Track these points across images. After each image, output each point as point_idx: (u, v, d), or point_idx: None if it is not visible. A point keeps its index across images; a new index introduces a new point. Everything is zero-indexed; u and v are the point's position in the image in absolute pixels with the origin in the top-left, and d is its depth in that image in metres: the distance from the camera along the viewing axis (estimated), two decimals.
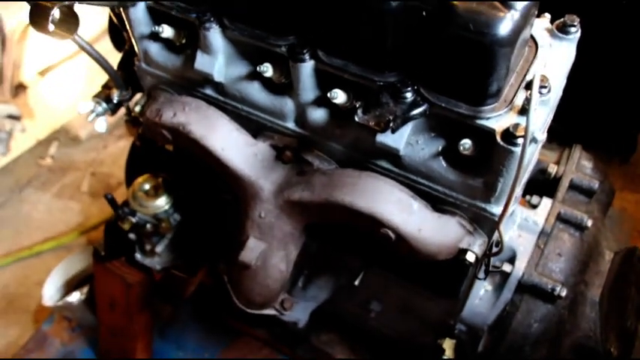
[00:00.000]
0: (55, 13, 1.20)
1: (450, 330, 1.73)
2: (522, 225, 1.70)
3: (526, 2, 1.02)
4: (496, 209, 1.26)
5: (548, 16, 1.30)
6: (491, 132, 1.13)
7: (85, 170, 3.48)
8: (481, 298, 1.67)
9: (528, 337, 1.60)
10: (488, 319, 1.66)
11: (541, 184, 1.82)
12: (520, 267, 1.62)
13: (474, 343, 1.70)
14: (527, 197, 1.76)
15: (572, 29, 1.25)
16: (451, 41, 1.05)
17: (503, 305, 1.64)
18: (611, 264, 1.72)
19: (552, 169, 1.83)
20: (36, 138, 3.51)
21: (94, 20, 3.08)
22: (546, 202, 1.74)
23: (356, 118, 1.11)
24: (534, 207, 1.74)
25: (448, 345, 1.76)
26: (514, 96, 1.15)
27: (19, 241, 3.12)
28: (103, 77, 1.63)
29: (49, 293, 2.35)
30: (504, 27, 1.00)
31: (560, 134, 1.77)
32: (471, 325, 1.69)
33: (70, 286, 2.40)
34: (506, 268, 1.60)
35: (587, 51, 1.35)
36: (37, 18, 1.21)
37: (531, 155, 1.32)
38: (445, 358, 1.75)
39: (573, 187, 1.80)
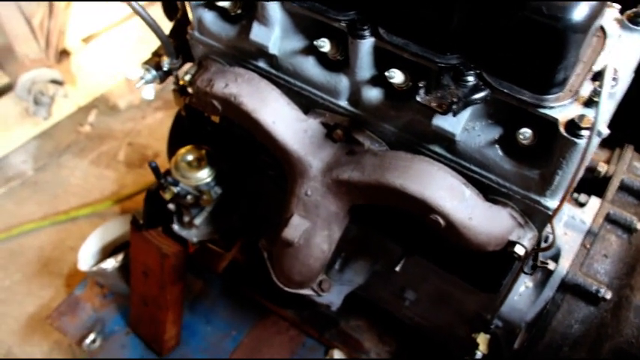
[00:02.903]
0: None
1: (486, 324, 1.70)
2: (569, 223, 1.66)
3: None
4: (550, 203, 1.22)
5: (617, 6, 1.25)
6: (554, 122, 1.09)
7: (122, 140, 3.51)
8: (520, 295, 1.64)
9: (568, 337, 1.57)
10: (526, 316, 1.62)
11: (590, 183, 1.77)
12: (564, 265, 1.58)
13: (510, 339, 1.67)
14: (575, 195, 1.71)
15: None
16: (521, 25, 1.01)
17: (543, 303, 1.61)
18: None
19: (602, 167, 1.78)
20: (77, 104, 3.54)
21: None
22: (594, 202, 1.70)
23: (417, 98, 1.08)
24: (582, 205, 1.70)
25: (482, 340, 1.72)
26: (580, 86, 1.11)
27: (56, 205, 3.16)
28: (145, 47, 1.62)
29: (85, 258, 2.36)
30: (579, 12, 0.97)
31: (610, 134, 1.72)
32: (509, 321, 1.66)
33: (105, 253, 2.42)
34: (550, 265, 1.56)
35: None
36: None
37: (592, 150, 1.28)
38: (478, 352, 1.72)
39: (623, 187, 1.74)
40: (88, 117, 3.60)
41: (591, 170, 1.78)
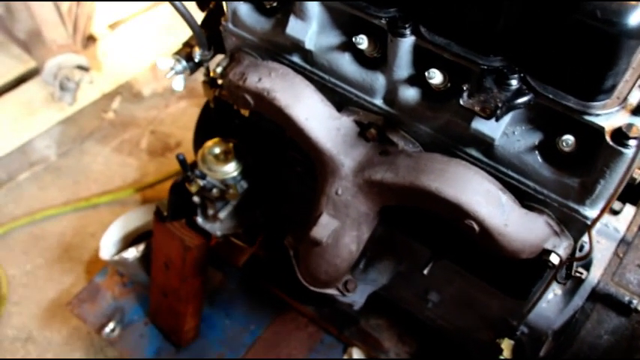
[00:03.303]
0: None
1: (511, 330, 1.67)
2: (602, 231, 1.62)
3: None
4: (590, 212, 1.19)
5: None
6: (599, 130, 1.05)
7: (145, 128, 3.50)
8: (549, 302, 1.61)
9: (597, 348, 1.53)
10: (554, 324, 1.59)
11: (625, 189, 1.72)
12: (595, 274, 1.55)
13: (536, 347, 1.63)
14: None
15: None
16: (573, 28, 0.97)
17: (572, 312, 1.58)
18: None
19: (637, 174, 1.73)
20: (102, 91, 3.54)
21: None
22: (629, 209, 1.66)
23: (461, 102, 1.05)
24: (616, 213, 1.66)
25: (507, 345, 1.69)
26: (628, 93, 1.07)
27: (78, 192, 3.17)
28: (172, 35, 1.60)
29: (106, 247, 2.36)
30: (636, 17, 0.93)
31: None
32: (535, 328, 1.63)
33: (127, 242, 2.42)
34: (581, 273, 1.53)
35: None
36: None
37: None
38: (502, 358, 1.69)
39: None
40: (112, 104, 3.59)
41: None
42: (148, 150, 3.39)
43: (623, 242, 1.60)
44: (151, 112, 3.58)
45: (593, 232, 1.58)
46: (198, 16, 1.71)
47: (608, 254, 1.58)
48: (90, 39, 3.58)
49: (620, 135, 1.02)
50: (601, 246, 1.60)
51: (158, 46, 3.61)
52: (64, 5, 3.22)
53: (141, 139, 3.45)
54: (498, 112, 1.02)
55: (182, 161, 1.70)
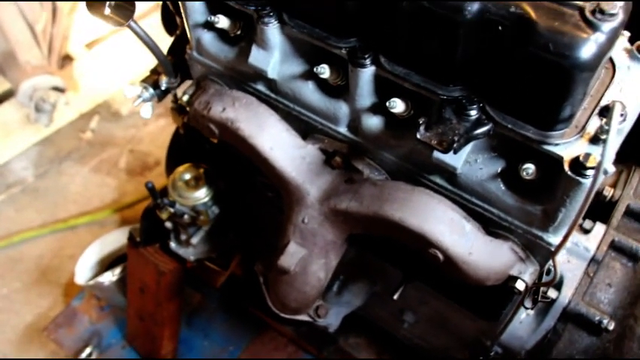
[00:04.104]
0: None
1: (485, 350, 1.67)
2: (572, 250, 1.62)
3: (613, 24, 0.94)
4: (553, 239, 1.19)
5: (626, 34, 1.22)
6: (558, 159, 1.05)
7: (123, 147, 3.48)
8: (522, 322, 1.61)
9: None
10: (527, 345, 1.59)
11: (594, 207, 1.73)
12: (566, 294, 1.55)
13: None
14: (580, 221, 1.67)
15: None
16: (527, 61, 0.98)
17: (544, 332, 1.57)
18: None
19: (608, 192, 1.74)
20: (79, 111, 3.52)
21: None
22: (599, 228, 1.66)
23: (417, 135, 1.04)
24: (587, 232, 1.66)
25: None
26: (586, 122, 1.07)
27: (56, 213, 3.14)
28: (149, 54, 1.58)
29: (82, 271, 2.34)
30: (587, 50, 0.93)
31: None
32: (509, 348, 1.62)
33: (103, 265, 2.40)
34: (552, 294, 1.53)
35: None
36: (94, 1, 1.17)
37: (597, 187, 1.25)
38: None
39: (629, 213, 1.70)
40: (90, 123, 3.58)
41: (597, 193, 1.74)
42: (126, 169, 3.38)
43: (594, 261, 1.60)
44: (129, 131, 3.57)
45: (564, 251, 1.60)
46: (167, 39, 1.70)
47: (579, 273, 1.58)
48: (66, 58, 3.57)
49: (578, 165, 1.02)
50: (572, 265, 1.59)
51: (136, 64, 3.60)
52: (39, 26, 3.21)
53: (119, 158, 3.43)
54: (455, 145, 1.02)
55: (151, 189, 1.69)
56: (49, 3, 3.27)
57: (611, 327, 1.49)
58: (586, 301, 1.53)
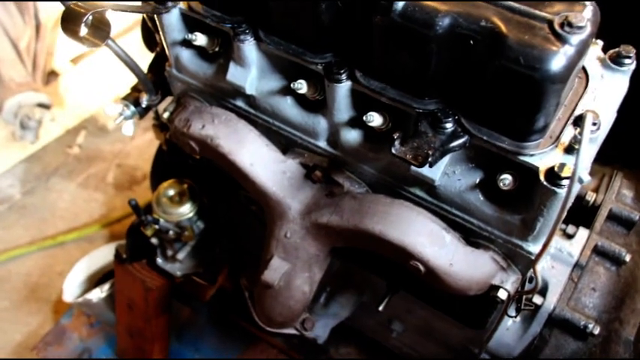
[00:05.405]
0: (88, 19, 1.16)
1: (473, 358, 1.68)
2: (556, 256, 1.63)
3: (582, 37, 0.95)
4: (533, 248, 1.19)
5: (600, 42, 1.23)
6: (534, 170, 1.06)
7: (110, 161, 3.47)
8: (508, 329, 1.61)
9: None
10: (514, 351, 1.60)
11: (577, 212, 1.74)
12: (551, 300, 1.55)
13: None
14: (563, 226, 1.68)
15: (627, 61, 1.18)
16: (499, 73, 0.98)
17: (531, 338, 1.58)
18: None
19: (590, 196, 1.75)
20: (65, 127, 3.51)
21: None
22: (582, 233, 1.67)
23: (393, 150, 1.05)
24: (570, 237, 1.67)
25: None
26: (561, 132, 1.08)
27: (44, 230, 3.13)
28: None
29: (70, 289, 2.33)
30: (557, 63, 0.94)
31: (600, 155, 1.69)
32: (496, 356, 1.63)
33: (91, 282, 2.39)
34: (537, 300, 1.53)
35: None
36: (69, 23, 1.17)
37: (574, 195, 1.26)
38: None
39: (612, 217, 1.71)
40: (77, 138, 3.57)
41: (580, 199, 1.75)
42: (114, 184, 3.37)
43: (578, 266, 1.60)
44: (116, 146, 3.56)
45: (548, 257, 1.61)
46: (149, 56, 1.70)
47: (563, 279, 1.59)
48: (52, 74, 3.56)
49: (553, 175, 1.03)
50: (556, 271, 1.60)
51: (123, 78, 3.58)
52: (23, 42, 3.20)
53: (107, 173, 3.42)
54: (430, 159, 1.02)
55: (134, 207, 1.69)
56: (33, 19, 3.27)
57: (597, 331, 1.49)
58: (571, 307, 1.54)
